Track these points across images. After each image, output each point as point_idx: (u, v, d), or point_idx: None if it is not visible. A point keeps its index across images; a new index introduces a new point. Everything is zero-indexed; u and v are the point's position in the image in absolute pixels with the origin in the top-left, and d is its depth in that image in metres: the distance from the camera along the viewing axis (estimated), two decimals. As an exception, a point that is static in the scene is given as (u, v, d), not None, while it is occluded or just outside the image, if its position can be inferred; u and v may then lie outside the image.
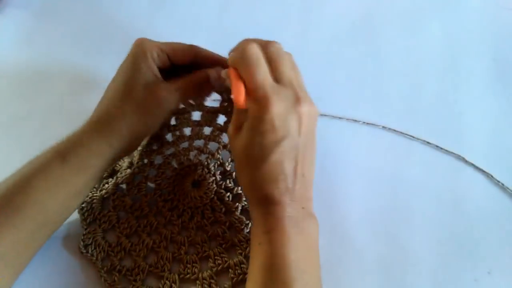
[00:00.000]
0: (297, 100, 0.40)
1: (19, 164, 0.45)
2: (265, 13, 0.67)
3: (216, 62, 0.49)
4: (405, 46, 0.63)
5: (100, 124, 0.45)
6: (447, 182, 0.53)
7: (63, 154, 0.44)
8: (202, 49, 0.49)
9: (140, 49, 0.46)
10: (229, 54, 0.45)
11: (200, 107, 0.52)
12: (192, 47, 0.48)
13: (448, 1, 0.66)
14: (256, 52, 0.41)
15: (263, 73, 0.40)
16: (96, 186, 0.52)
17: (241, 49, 0.41)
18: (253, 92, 0.40)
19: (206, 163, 0.52)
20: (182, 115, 0.52)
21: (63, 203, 0.45)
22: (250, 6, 0.68)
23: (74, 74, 0.62)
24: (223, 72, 0.45)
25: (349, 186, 0.53)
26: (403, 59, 0.62)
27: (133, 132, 0.46)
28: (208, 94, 0.52)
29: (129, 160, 0.53)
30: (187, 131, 0.53)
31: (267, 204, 0.41)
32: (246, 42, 0.42)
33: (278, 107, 0.39)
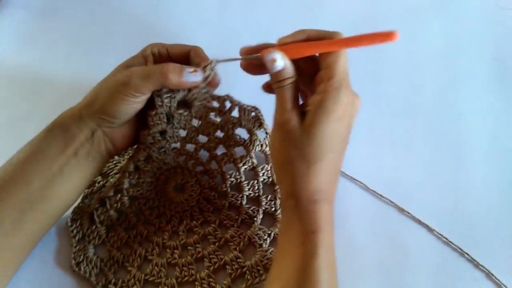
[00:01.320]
0: (355, 93, 0.42)
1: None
2: (265, 13, 0.67)
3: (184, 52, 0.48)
4: (405, 46, 0.62)
5: (84, 101, 0.46)
6: (447, 184, 0.53)
7: (48, 128, 0.46)
8: (199, 50, 0.48)
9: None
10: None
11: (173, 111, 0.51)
12: (188, 46, 0.48)
13: (448, 1, 0.67)
14: None
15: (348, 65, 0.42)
16: (86, 201, 0.51)
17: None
18: (333, 78, 0.40)
19: (185, 164, 0.53)
20: (155, 116, 0.49)
21: (47, 182, 0.44)
22: (250, 5, 0.67)
23: (74, 73, 0.61)
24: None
25: (350, 186, 0.53)
26: (403, 59, 0.61)
27: (101, 107, 0.44)
28: (177, 86, 0.47)
29: (114, 179, 0.52)
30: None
31: (318, 200, 0.40)
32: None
33: (348, 97, 0.40)
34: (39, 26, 0.66)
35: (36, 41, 0.65)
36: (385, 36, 0.38)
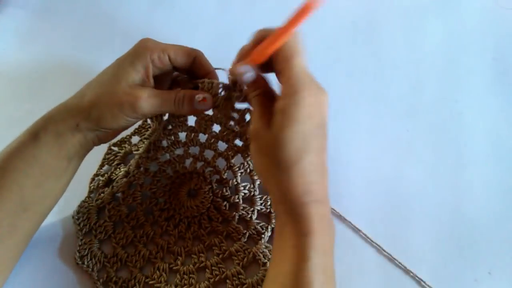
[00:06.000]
0: (320, 89, 0.40)
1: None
2: (265, 13, 0.66)
3: (210, 75, 0.48)
4: (405, 45, 0.62)
5: (72, 103, 0.45)
6: (449, 183, 0.52)
7: (35, 132, 0.44)
8: (203, 57, 0.48)
9: (142, 47, 0.45)
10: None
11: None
12: (194, 51, 0.47)
13: (448, 1, 0.66)
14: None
15: (305, 61, 0.39)
16: (92, 195, 0.52)
17: (296, 36, 0.40)
18: (290, 80, 0.39)
19: (202, 171, 0.52)
20: (178, 118, 0.51)
21: (40, 184, 0.44)
22: (249, 5, 0.67)
23: (74, 73, 0.62)
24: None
25: (349, 185, 0.52)
26: (403, 58, 0.61)
27: (100, 120, 0.44)
28: (187, 114, 0.50)
29: (125, 169, 0.52)
30: (182, 136, 0.52)
31: (306, 203, 0.39)
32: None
33: (311, 97, 0.38)
34: (39, 26, 0.67)
35: (36, 40, 0.65)
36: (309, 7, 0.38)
